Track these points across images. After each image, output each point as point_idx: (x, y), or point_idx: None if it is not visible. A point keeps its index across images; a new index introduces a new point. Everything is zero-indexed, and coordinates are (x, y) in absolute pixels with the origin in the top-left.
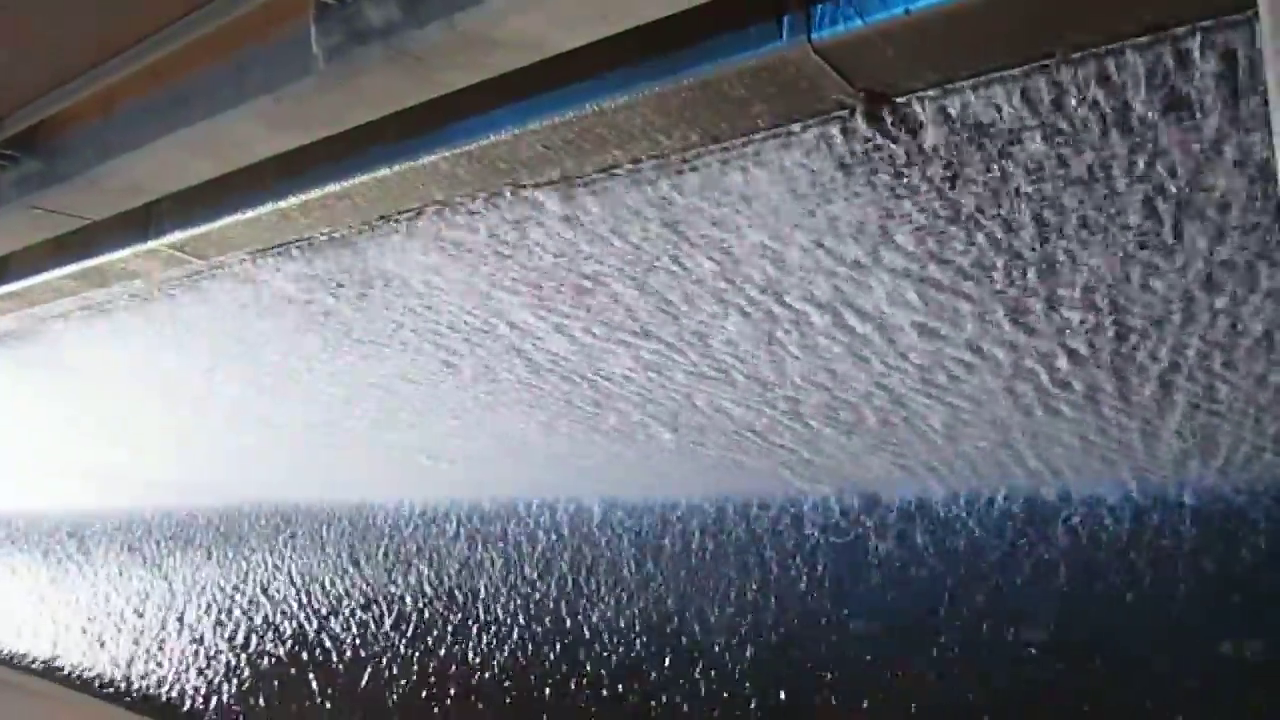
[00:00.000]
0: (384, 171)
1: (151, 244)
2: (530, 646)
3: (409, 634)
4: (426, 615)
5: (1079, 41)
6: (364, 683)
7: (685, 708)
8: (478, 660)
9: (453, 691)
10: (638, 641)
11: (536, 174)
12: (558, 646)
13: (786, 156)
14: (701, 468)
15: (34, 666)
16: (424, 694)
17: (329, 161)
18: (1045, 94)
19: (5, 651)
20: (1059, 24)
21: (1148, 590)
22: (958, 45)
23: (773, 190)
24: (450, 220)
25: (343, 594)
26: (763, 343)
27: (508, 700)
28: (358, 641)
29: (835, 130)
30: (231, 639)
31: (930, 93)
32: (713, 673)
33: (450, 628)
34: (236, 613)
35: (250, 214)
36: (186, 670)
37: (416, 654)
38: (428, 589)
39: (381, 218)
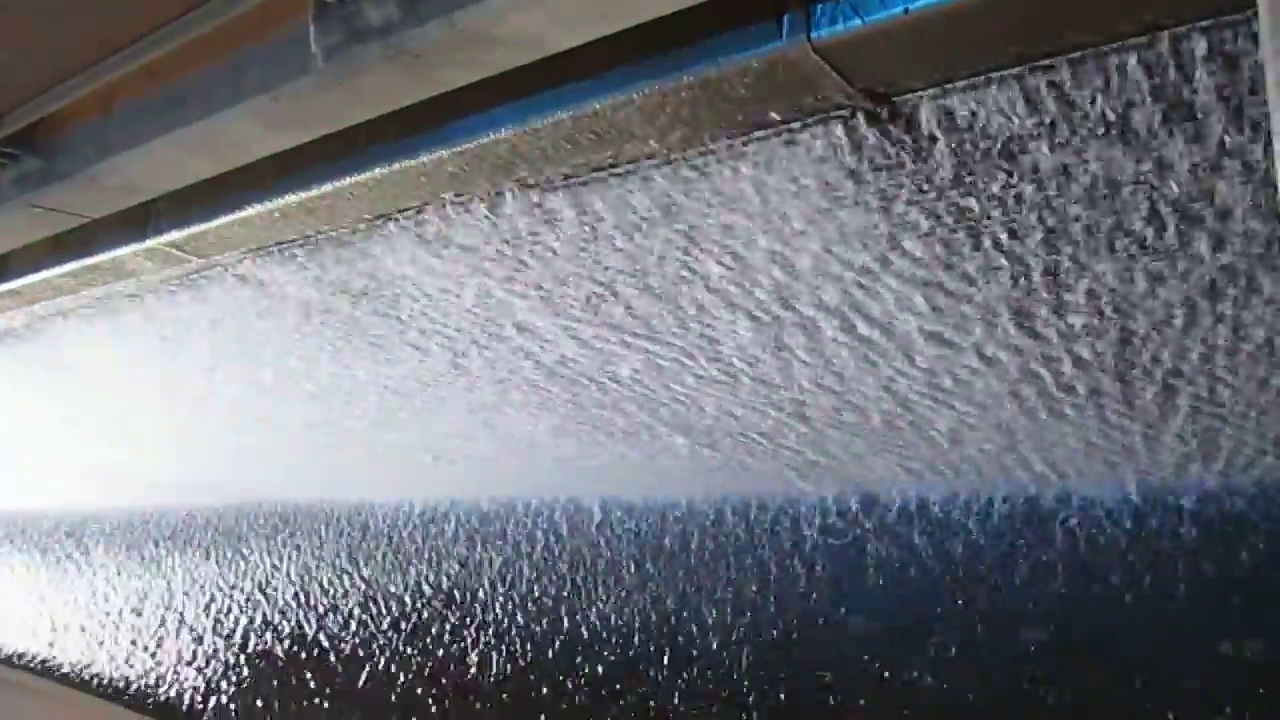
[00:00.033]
0: (383, 170)
1: (150, 242)
2: (533, 646)
3: (409, 634)
4: (427, 616)
5: (1079, 41)
6: (363, 682)
7: (693, 708)
8: (479, 661)
9: (454, 692)
10: (641, 641)
11: (536, 172)
12: (560, 646)
13: (786, 155)
14: (705, 469)
15: (33, 665)
16: (425, 694)
17: (328, 160)
18: (1045, 94)
19: (4, 650)
20: (1059, 23)
21: (1149, 591)
22: (957, 45)
23: (772, 189)
24: (450, 219)
25: (343, 593)
26: (764, 343)
27: (510, 701)
28: (357, 641)
29: (834, 129)
30: (231, 638)
31: (930, 92)
32: (717, 673)
33: (450, 628)
34: (236, 612)
35: (248, 213)
36: (185, 669)
37: (416, 654)
38: (428, 589)
39: (380, 216)
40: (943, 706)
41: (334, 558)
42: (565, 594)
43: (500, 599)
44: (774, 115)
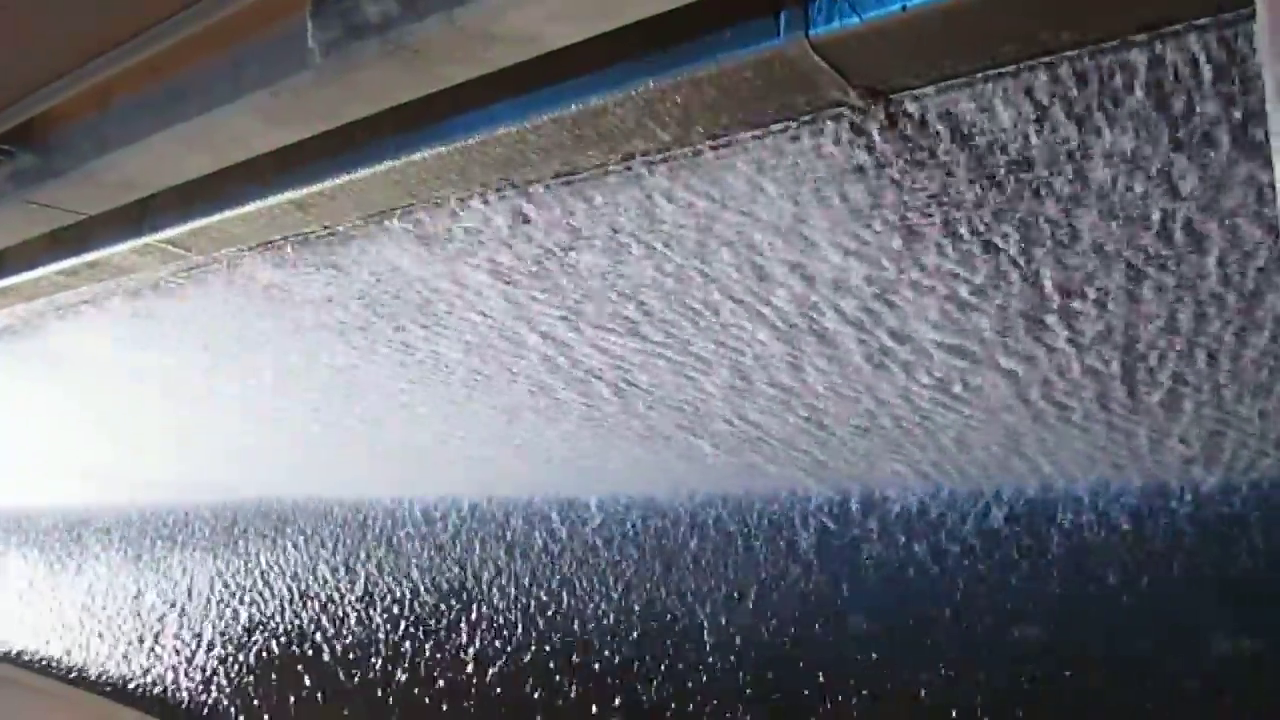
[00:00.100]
0: (381, 166)
1: (147, 239)
2: (539, 646)
3: (410, 633)
4: (429, 615)
5: (1078, 39)
6: (363, 681)
7: (707, 707)
8: (484, 661)
9: (457, 692)
10: (644, 641)
11: (534, 169)
12: (564, 646)
13: (785, 153)
14: (709, 468)
15: (31, 663)
16: (426, 694)
17: (326, 156)
18: (1045, 93)
19: (3, 648)
20: (1059, 22)
21: (1151, 591)
22: (956, 42)
23: (771, 187)
24: (448, 215)
25: (344, 593)
26: (757, 340)
27: (510, 700)
28: (357, 640)
29: (833, 128)
30: (230, 636)
31: (928, 90)
32: (722, 673)
33: (455, 629)
34: (236, 610)
35: (246, 209)
36: (185, 667)
37: (417, 653)
38: (430, 589)
39: (379, 212)
40: (946, 706)
41: (335, 557)
42: (568, 593)
43: (502, 597)
44: (772, 112)
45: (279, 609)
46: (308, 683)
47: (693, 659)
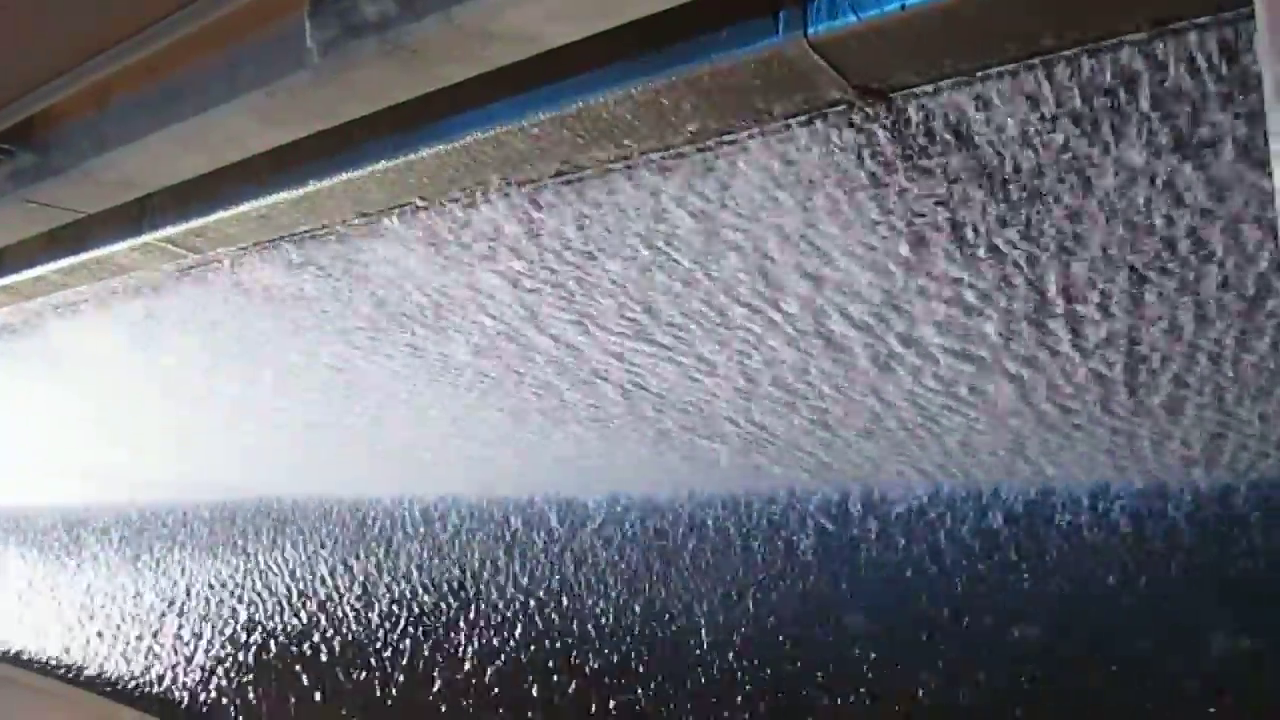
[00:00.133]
0: (379, 166)
1: (146, 238)
2: (545, 644)
3: (410, 633)
4: (429, 615)
5: (1079, 38)
6: (364, 681)
7: (708, 706)
8: (484, 661)
9: (459, 693)
10: (645, 641)
11: (533, 169)
12: (565, 646)
13: (783, 152)
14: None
15: (31, 663)
16: (426, 693)
17: (324, 156)
18: (1044, 92)
19: (2, 648)
20: (1059, 21)
21: (1152, 591)
22: (956, 42)
23: (771, 187)
24: (447, 215)
25: (344, 593)
26: (756, 339)
27: (515, 701)
28: (357, 639)
29: (832, 127)
30: (230, 636)
31: (928, 89)
32: (722, 674)
33: (456, 629)
34: (236, 609)
35: (244, 208)
36: (185, 666)
37: (417, 653)
38: (431, 589)
39: (377, 212)
40: (949, 706)
41: (336, 556)
42: (571, 592)
43: (502, 596)
44: (771, 112)
45: (279, 609)
46: (308, 682)
47: (696, 659)
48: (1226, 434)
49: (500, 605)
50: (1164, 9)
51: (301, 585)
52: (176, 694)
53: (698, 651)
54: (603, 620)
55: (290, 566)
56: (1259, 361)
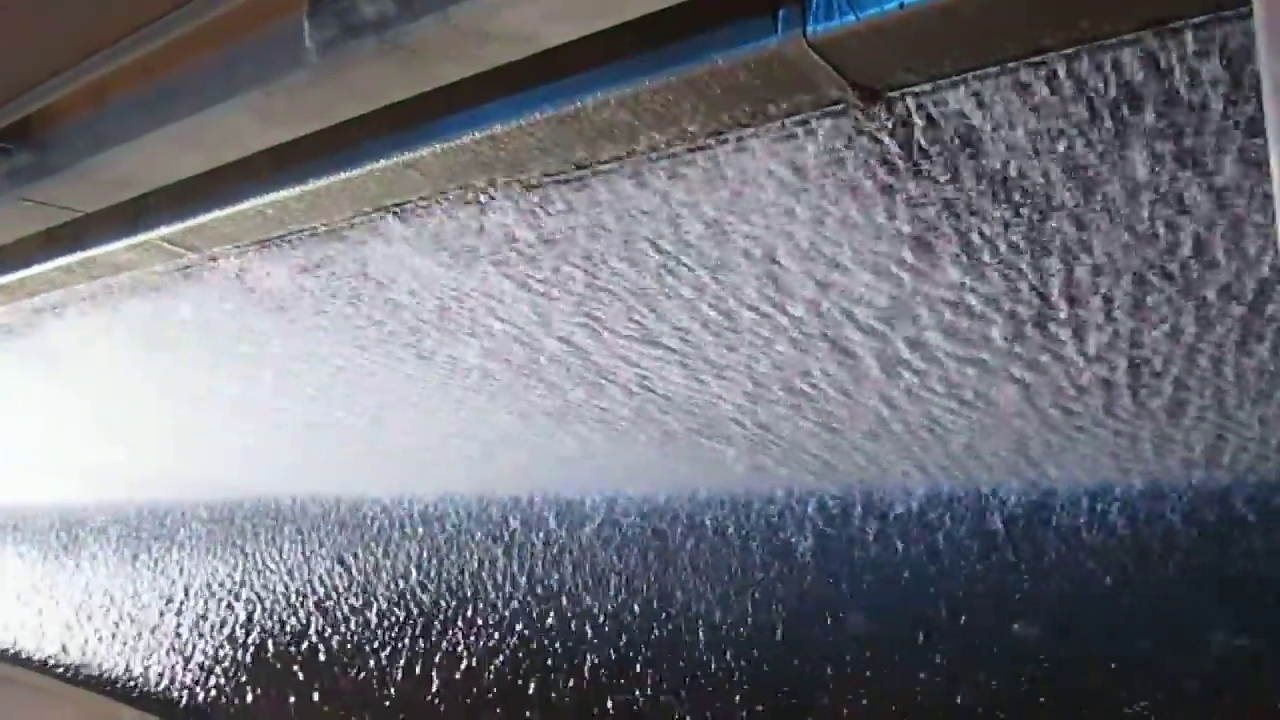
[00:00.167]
0: (377, 165)
1: (142, 237)
2: (537, 646)
3: (411, 633)
4: (431, 615)
5: (1078, 37)
6: (364, 681)
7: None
8: (484, 661)
9: (460, 692)
10: (646, 641)
11: (530, 168)
12: (566, 646)
13: (782, 151)
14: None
15: (30, 662)
16: (427, 693)
17: (322, 155)
18: (1044, 91)
19: (1, 647)
20: (1059, 20)
21: (1152, 590)
22: (956, 41)
23: (771, 187)
24: (445, 214)
25: (344, 592)
26: (747, 339)
27: (516, 701)
28: (358, 639)
29: (832, 126)
30: (230, 635)
31: (927, 88)
32: (725, 673)
33: (457, 629)
34: (236, 608)
35: (242, 207)
36: (184, 665)
37: (418, 653)
38: (432, 588)
39: (375, 211)
40: (950, 706)
41: (336, 555)
42: (573, 591)
43: (506, 593)
44: (771, 111)
45: (279, 608)
46: (307, 681)
47: (696, 659)
48: (1227, 436)
49: (502, 605)
50: (1163, 9)
51: (302, 585)
52: (176, 693)
53: (698, 652)
54: (602, 620)
55: (290, 566)
56: (1259, 365)
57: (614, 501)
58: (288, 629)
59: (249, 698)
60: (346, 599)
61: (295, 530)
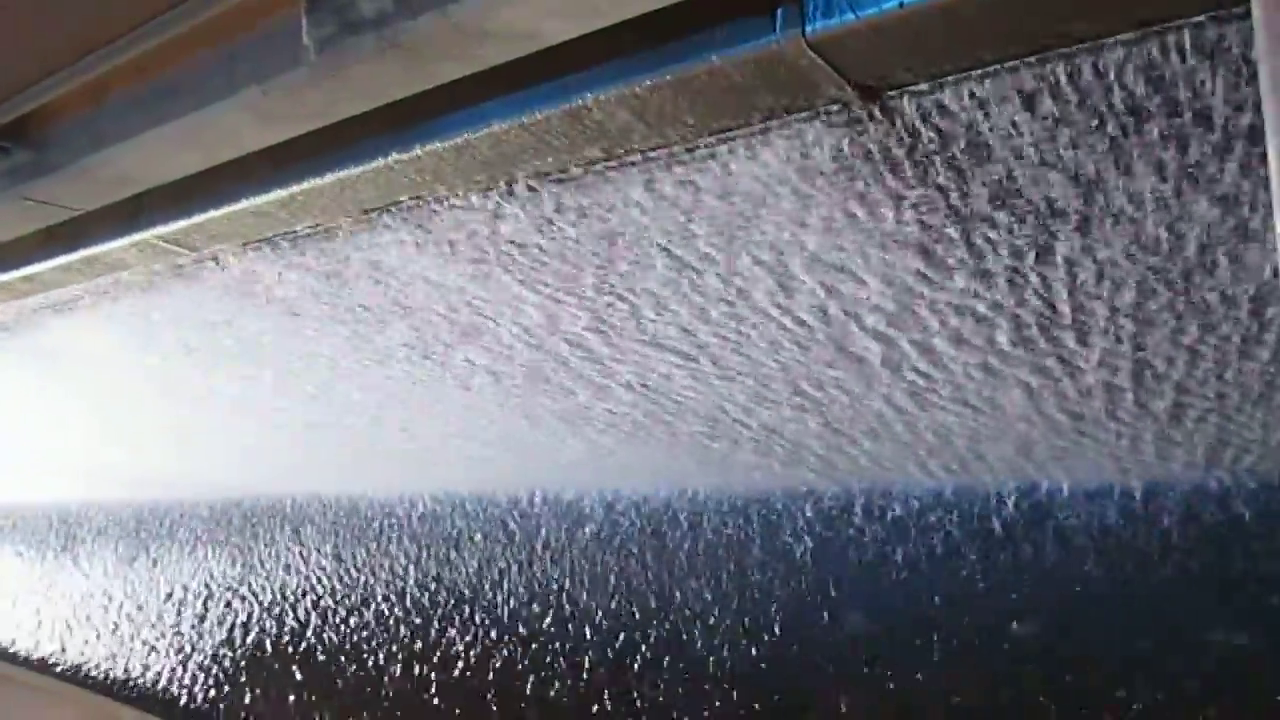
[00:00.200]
0: (375, 164)
1: (141, 235)
2: (539, 645)
3: (412, 633)
4: (431, 615)
5: (1077, 36)
6: (364, 680)
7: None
8: (484, 661)
9: (461, 692)
10: (647, 641)
11: (529, 167)
12: (567, 646)
13: (784, 152)
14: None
15: (29, 661)
16: (427, 693)
17: (320, 153)
18: (1042, 90)
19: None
20: (1058, 18)
21: (1154, 592)
22: (955, 40)
23: (769, 186)
24: (443, 213)
25: (344, 591)
26: (745, 339)
27: (518, 700)
28: (359, 638)
29: (831, 126)
30: (231, 634)
31: (926, 87)
32: (728, 672)
33: (458, 629)
34: (236, 608)
35: (239, 206)
36: (184, 665)
37: (418, 652)
38: (432, 588)
39: (373, 210)
40: (950, 705)
41: (335, 554)
42: (575, 589)
43: (507, 592)
44: (768, 110)
45: (280, 607)
46: (308, 681)
47: (696, 659)
48: (1228, 438)
49: (503, 606)
50: (1163, 8)
51: (302, 584)
52: (176, 692)
53: (699, 652)
54: (602, 619)
55: (290, 565)
56: (1261, 367)
57: (617, 499)
58: (288, 628)
59: (249, 698)
60: (346, 599)
61: (295, 530)
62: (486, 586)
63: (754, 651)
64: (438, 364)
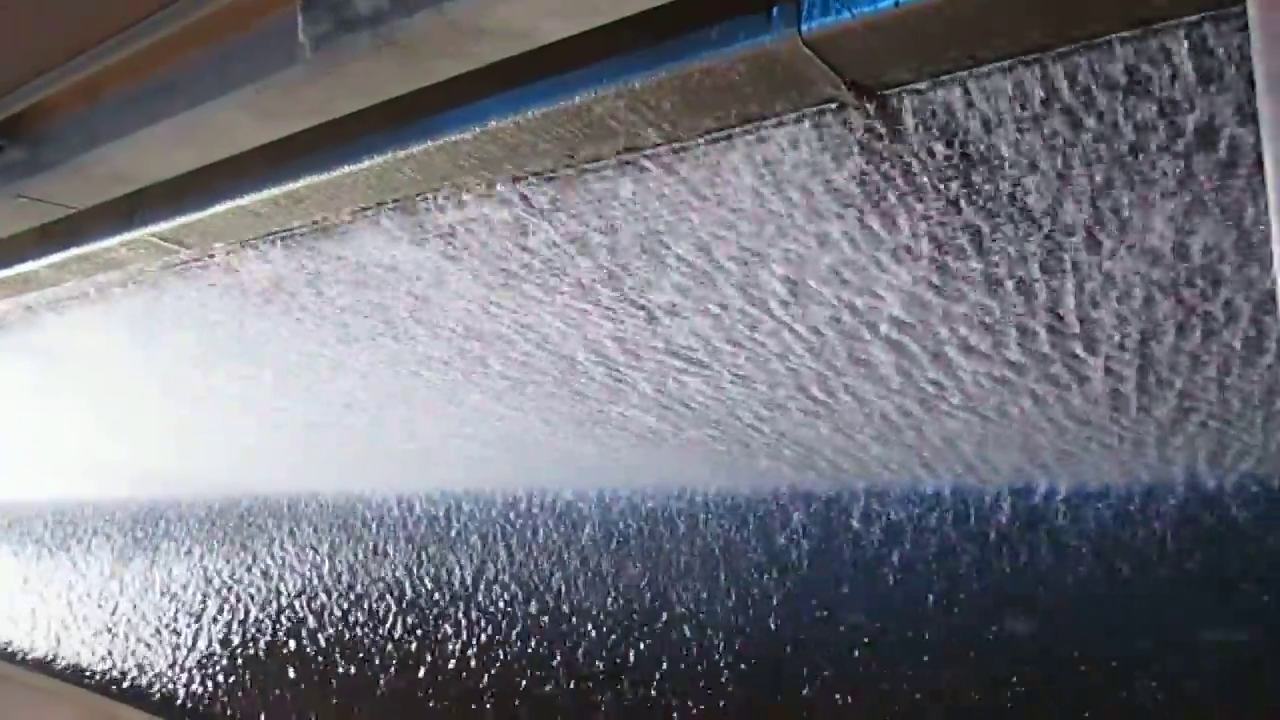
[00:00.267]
0: (372, 161)
1: (136, 233)
2: (537, 646)
3: (412, 633)
4: (432, 615)
5: (1076, 35)
6: (365, 680)
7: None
8: (486, 661)
9: (462, 692)
10: (647, 640)
11: (526, 165)
12: (567, 646)
13: (777, 150)
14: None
15: (28, 661)
16: (427, 692)
17: (316, 151)
18: (1041, 90)
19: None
20: (1057, 17)
21: (1154, 592)
22: (953, 38)
23: (768, 186)
24: (440, 211)
25: (345, 591)
26: (741, 338)
27: (517, 701)
28: (359, 638)
29: (828, 125)
30: (231, 634)
31: (923, 86)
32: (730, 672)
33: (458, 630)
34: (236, 607)
35: (235, 204)
36: (184, 664)
37: (419, 652)
38: (433, 588)
39: (369, 208)
40: (950, 705)
41: (335, 553)
42: (576, 588)
43: (509, 591)
44: (764, 108)
45: (280, 606)
46: (307, 680)
47: (697, 659)
48: (1229, 441)
49: (505, 605)
50: (1162, 7)
51: (302, 584)
52: (176, 692)
53: (700, 652)
54: (602, 619)
55: (290, 565)
56: (1263, 373)
57: (616, 500)
58: (288, 628)
59: (249, 697)
60: (346, 599)
61: (295, 529)
62: (485, 586)
63: (766, 655)
64: (433, 360)
